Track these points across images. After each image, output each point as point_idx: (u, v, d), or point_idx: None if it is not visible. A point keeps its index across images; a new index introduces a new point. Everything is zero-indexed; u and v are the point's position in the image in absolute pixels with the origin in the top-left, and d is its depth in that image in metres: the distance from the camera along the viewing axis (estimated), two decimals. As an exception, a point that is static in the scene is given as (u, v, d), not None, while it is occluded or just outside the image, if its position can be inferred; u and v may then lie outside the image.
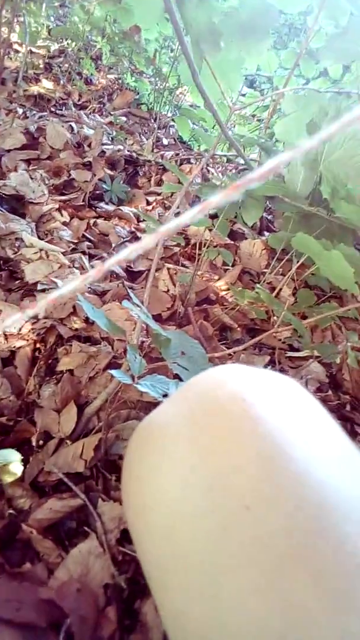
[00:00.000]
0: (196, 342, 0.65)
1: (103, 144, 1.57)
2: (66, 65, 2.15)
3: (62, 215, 1.20)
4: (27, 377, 0.77)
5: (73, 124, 1.64)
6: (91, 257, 1.12)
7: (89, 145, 1.56)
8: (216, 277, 1.14)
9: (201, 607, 0.22)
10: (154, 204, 1.41)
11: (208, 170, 1.59)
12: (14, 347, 0.80)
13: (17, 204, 1.19)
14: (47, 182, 1.32)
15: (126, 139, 1.73)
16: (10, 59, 2.01)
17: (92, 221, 1.23)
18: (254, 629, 0.20)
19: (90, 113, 1.89)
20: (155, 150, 1.71)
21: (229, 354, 0.87)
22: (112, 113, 1.91)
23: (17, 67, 1.92)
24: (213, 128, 1.65)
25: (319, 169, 0.92)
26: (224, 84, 1.06)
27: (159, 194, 1.46)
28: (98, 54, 2.31)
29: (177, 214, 1.35)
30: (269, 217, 1.46)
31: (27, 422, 0.72)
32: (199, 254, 1.03)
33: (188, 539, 0.24)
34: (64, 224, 1.18)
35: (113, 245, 1.18)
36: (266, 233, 1.38)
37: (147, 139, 1.82)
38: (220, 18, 1.02)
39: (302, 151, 0.17)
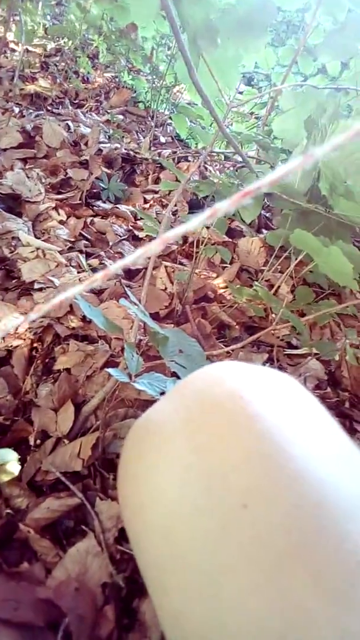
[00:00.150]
0: (194, 340, 0.65)
1: (100, 143, 1.57)
2: (63, 63, 2.14)
3: (58, 214, 1.20)
4: (24, 376, 0.77)
5: (70, 123, 1.64)
6: (88, 255, 1.11)
7: (86, 144, 1.55)
8: (214, 275, 1.13)
9: (200, 607, 0.22)
10: (152, 202, 1.41)
11: (206, 168, 1.59)
12: (11, 346, 0.79)
13: (14, 203, 1.19)
14: (43, 180, 1.31)
15: (123, 137, 1.72)
16: (7, 57, 2.01)
17: (89, 220, 1.22)
18: (253, 629, 0.20)
19: (87, 111, 1.88)
20: (152, 149, 1.70)
21: (227, 352, 0.87)
22: (109, 111, 1.91)
23: (14, 65, 1.92)
24: (210, 126, 1.65)
25: (318, 166, 0.92)
26: (221, 81, 1.06)
27: (156, 192, 1.46)
28: (95, 52, 2.31)
29: (175, 212, 1.35)
30: (267, 215, 1.46)
31: (24, 421, 0.71)
32: (197, 252, 1.02)
33: (186, 538, 0.23)
34: (61, 222, 1.18)
35: (110, 243, 1.17)
36: (264, 230, 1.37)
37: (144, 137, 1.81)
38: (217, 15, 1.01)
39: (312, 158, 0.17)
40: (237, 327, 0.98)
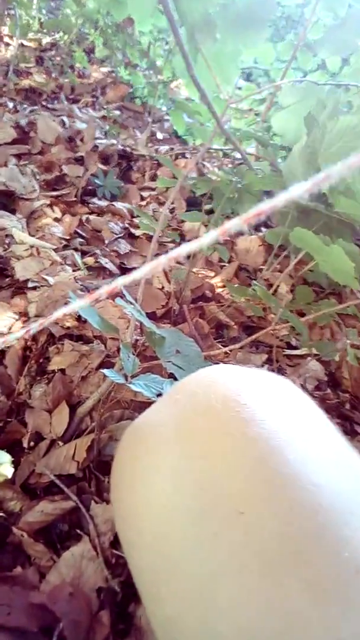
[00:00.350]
0: (191, 340, 0.64)
1: (96, 139, 1.55)
2: (58, 58, 2.12)
3: (53, 211, 1.18)
4: (17, 376, 0.75)
5: (65, 118, 1.62)
6: (84, 253, 1.10)
7: (82, 140, 1.53)
8: (212, 274, 1.12)
9: (193, 614, 0.21)
10: (148, 199, 1.39)
11: (204, 165, 1.57)
12: (4, 346, 0.78)
13: (7, 200, 1.17)
14: (38, 177, 1.29)
15: (119, 133, 1.70)
16: (1, 52, 1.98)
17: (84, 217, 1.21)
18: (247, 637, 0.20)
19: (82, 107, 1.86)
20: (149, 145, 1.69)
21: (226, 352, 0.86)
22: (105, 107, 1.89)
23: (8, 60, 1.89)
24: (209, 122, 1.63)
25: (318, 162, 0.91)
26: (220, 76, 1.04)
27: (153, 189, 1.44)
28: (91, 46, 2.28)
29: (172, 210, 1.34)
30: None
31: (18, 422, 0.70)
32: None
33: (179, 545, 0.23)
34: (56, 220, 1.16)
35: (106, 241, 1.16)
36: (263, 229, 1.36)
37: (141, 133, 1.80)
38: (216, 9, 0.99)
39: (329, 179, 0.16)
40: (235, 327, 0.97)
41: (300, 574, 0.20)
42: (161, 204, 1.36)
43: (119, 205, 1.30)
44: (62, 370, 0.76)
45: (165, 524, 0.24)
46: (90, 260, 1.06)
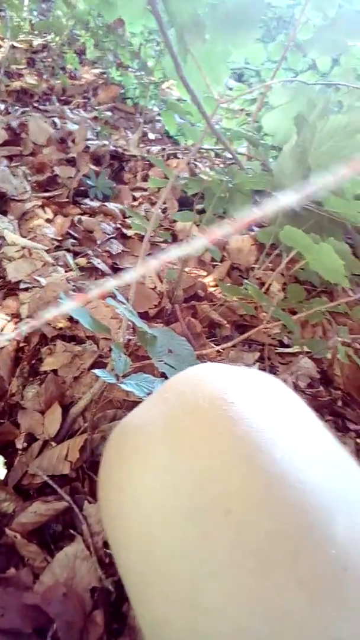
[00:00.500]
0: (183, 340, 0.64)
1: (87, 140, 1.55)
2: (49, 59, 2.12)
3: (45, 212, 1.18)
4: (10, 377, 0.75)
5: (56, 120, 1.62)
6: (76, 254, 1.10)
7: (73, 141, 1.53)
8: (204, 273, 1.12)
9: (182, 617, 0.21)
10: (140, 199, 1.39)
11: (195, 165, 1.58)
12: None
13: None
14: (29, 178, 1.29)
15: (111, 134, 1.70)
16: (-7, 53, 1.98)
17: (76, 218, 1.20)
18: (236, 637, 0.20)
19: (74, 108, 1.86)
20: (141, 146, 1.69)
21: (218, 351, 0.86)
22: (96, 108, 1.89)
23: None
24: (201, 122, 1.63)
25: (308, 162, 0.91)
26: (210, 76, 1.04)
27: (145, 190, 1.44)
28: (82, 48, 2.28)
29: (164, 210, 1.34)
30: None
31: (11, 424, 0.70)
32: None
33: (167, 545, 0.23)
34: (48, 221, 1.16)
35: (98, 242, 1.16)
36: (255, 228, 1.36)
37: (132, 134, 1.80)
38: (205, 9, 1.00)
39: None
40: (227, 325, 0.97)
41: (290, 572, 0.20)
42: (153, 204, 1.36)
43: (111, 205, 1.30)
44: (55, 371, 0.76)
45: (153, 524, 0.23)
46: (82, 261, 1.06)
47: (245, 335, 0.80)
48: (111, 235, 1.19)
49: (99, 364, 0.79)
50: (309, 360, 0.92)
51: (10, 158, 1.37)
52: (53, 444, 0.68)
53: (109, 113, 1.91)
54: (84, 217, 1.22)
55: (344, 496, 0.23)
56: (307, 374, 0.90)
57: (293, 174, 1.02)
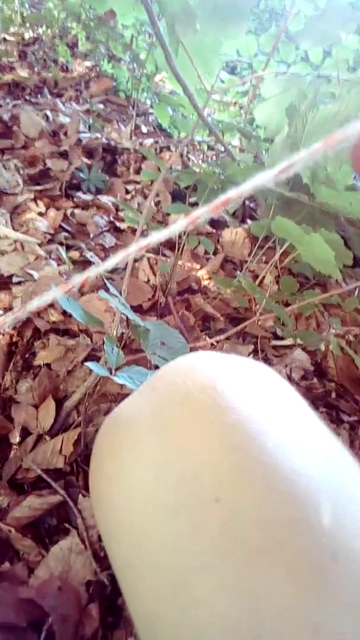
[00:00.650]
0: (177, 332, 0.64)
1: (80, 132, 1.54)
2: (41, 52, 2.10)
3: (37, 205, 1.17)
4: (3, 372, 0.75)
5: (48, 112, 1.60)
6: (68, 247, 1.09)
7: (65, 134, 1.52)
8: (198, 266, 1.12)
9: (173, 609, 0.21)
10: (133, 192, 1.38)
11: (188, 158, 1.57)
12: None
13: (-9, 195, 1.16)
14: (21, 172, 1.28)
15: (104, 126, 1.69)
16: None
17: (69, 211, 1.20)
18: (227, 629, 0.19)
19: (66, 101, 1.84)
20: (134, 138, 1.68)
21: (212, 344, 0.86)
22: (89, 100, 1.87)
23: (-10, 54, 1.87)
24: (192, 115, 1.63)
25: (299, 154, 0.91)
26: (202, 68, 1.04)
27: (138, 183, 1.43)
28: (74, 40, 2.26)
29: (157, 203, 1.33)
30: (252, 205, 1.44)
31: (4, 418, 0.70)
32: (180, 243, 1.01)
33: (158, 537, 0.22)
34: (40, 214, 1.15)
35: (91, 235, 1.15)
36: (249, 221, 1.36)
37: (125, 127, 1.78)
38: (196, 0, 0.99)
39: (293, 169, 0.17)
40: (221, 318, 0.97)
41: (278, 562, 0.20)
42: (146, 197, 1.36)
43: (103, 198, 1.29)
44: (48, 365, 0.76)
45: (143, 515, 0.23)
46: (75, 254, 1.06)
47: (239, 327, 0.80)
48: (104, 229, 1.19)
49: (93, 357, 0.79)
50: (303, 352, 0.92)
51: (2, 151, 1.35)
52: (47, 437, 0.67)
53: (101, 106, 1.89)
54: (76, 211, 1.21)
55: (336, 485, 0.23)
56: (301, 366, 0.90)
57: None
